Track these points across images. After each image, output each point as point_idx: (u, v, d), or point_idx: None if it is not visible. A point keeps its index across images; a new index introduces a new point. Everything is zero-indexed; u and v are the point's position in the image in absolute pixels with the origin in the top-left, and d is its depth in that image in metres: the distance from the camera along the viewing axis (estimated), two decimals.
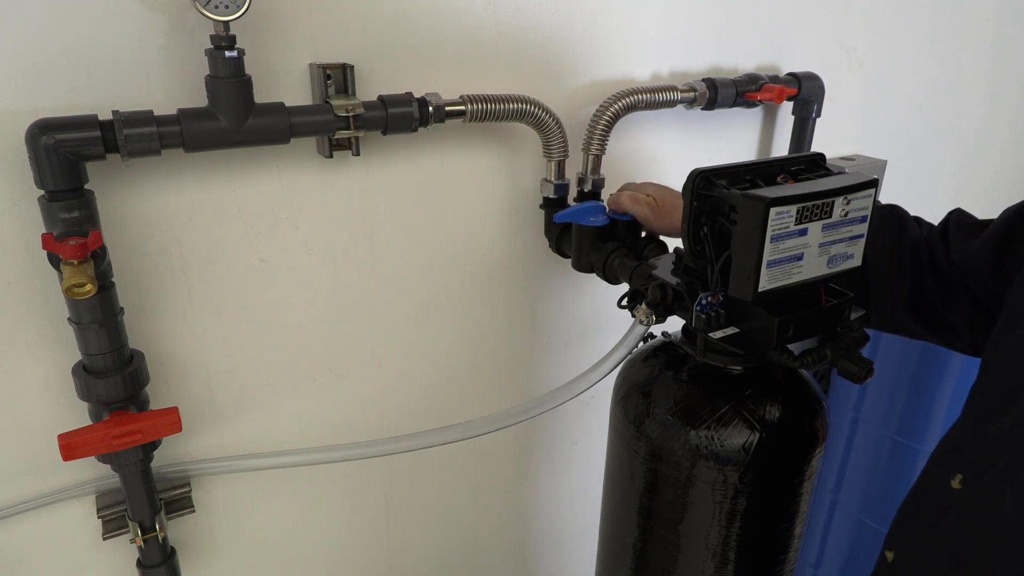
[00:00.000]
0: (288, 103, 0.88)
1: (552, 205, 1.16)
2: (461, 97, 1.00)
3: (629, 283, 0.99)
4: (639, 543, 0.95)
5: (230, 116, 0.84)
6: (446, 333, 1.22)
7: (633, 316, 0.93)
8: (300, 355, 1.09)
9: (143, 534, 0.98)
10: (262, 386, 1.08)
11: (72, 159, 0.77)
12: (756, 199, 0.70)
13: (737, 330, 0.80)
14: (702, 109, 1.26)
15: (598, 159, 1.15)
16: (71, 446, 0.85)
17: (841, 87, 1.55)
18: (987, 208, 0.88)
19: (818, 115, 1.42)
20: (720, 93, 1.24)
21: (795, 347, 0.78)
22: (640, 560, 0.96)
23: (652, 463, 0.89)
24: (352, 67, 0.94)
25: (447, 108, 0.98)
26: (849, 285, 0.80)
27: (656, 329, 0.94)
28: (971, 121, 1.96)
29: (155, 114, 0.80)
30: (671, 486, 0.88)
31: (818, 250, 0.75)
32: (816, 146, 1.49)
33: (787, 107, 1.46)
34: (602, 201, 1.15)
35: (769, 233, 0.70)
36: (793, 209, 0.70)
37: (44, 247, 0.77)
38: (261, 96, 0.87)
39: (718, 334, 0.80)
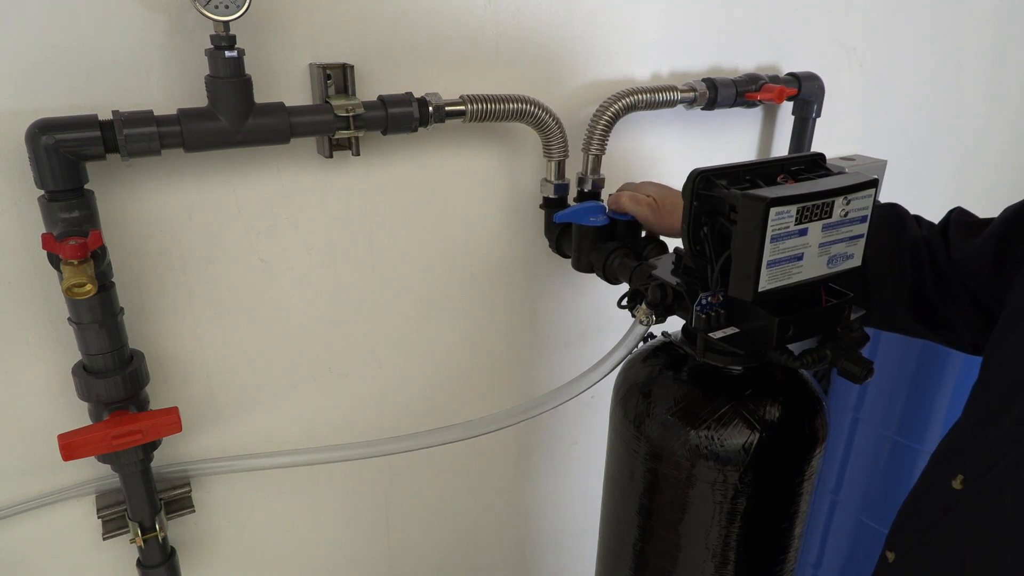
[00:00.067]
0: (288, 103, 0.88)
1: (552, 205, 1.16)
2: (461, 97, 1.00)
3: (629, 283, 0.99)
4: (639, 543, 0.95)
5: (230, 116, 0.84)
6: (446, 333, 1.22)
7: (633, 316, 0.93)
8: (300, 355, 1.09)
9: (143, 534, 0.98)
10: (262, 386, 1.08)
11: (72, 159, 0.77)
12: (756, 199, 0.70)
13: (737, 330, 0.80)
14: (702, 109, 1.26)
15: (598, 159, 1.15)
16: (71, 446, 0.85)
17: (841, 87, 1.55)
18: (987, 208, 0.88)
19: (818, 115, 1.42)
20: (720, 93, 1.24)
21: (795, 347, 0.78)
22: (640, 560, 0.96)
23: (652, 463, 0.89)
24: (352, 67, 0.94)
25: (447, 108, 0.98)
26: (849, 285, 0.80)
27: (656, 329, 0.94)
28: (971, 121, 1.96)
29: (155, 114, 0.80)
30: (671, 486, 0.88)
31: (818, 250, 0.75)
32: (816, 146, 1.49)
33: (787, 107, 1.46)
34: (602, 201, 1.15)
35: (769, 233, 0.70)
36: (793, 209, 0.70)
37: (44, 247, 0.77)
38: (261, 96, 0.87)
39: (718, 334, 0.80)
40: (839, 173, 0.81)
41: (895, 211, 0.91)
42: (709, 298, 0.79)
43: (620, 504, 0.97)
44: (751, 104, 1.33)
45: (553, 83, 1.15)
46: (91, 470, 0.98)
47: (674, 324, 0.92)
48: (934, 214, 0.92)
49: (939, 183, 1.99)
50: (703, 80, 1.24)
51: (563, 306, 1.35)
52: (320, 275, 1.06)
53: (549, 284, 1.30)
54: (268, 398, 1.09)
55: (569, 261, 1.15)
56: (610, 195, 1.10)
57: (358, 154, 0.96)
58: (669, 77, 1.28)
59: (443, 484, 1.36)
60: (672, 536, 0.91)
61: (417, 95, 0.96)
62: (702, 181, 0.78)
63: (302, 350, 1.09)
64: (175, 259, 0.95)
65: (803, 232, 0.72)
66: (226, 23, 0.79)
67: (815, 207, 0.72)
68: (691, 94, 1.22)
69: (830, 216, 0.73)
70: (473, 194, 1.15)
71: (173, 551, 1.05)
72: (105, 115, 0.80)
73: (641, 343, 0.95)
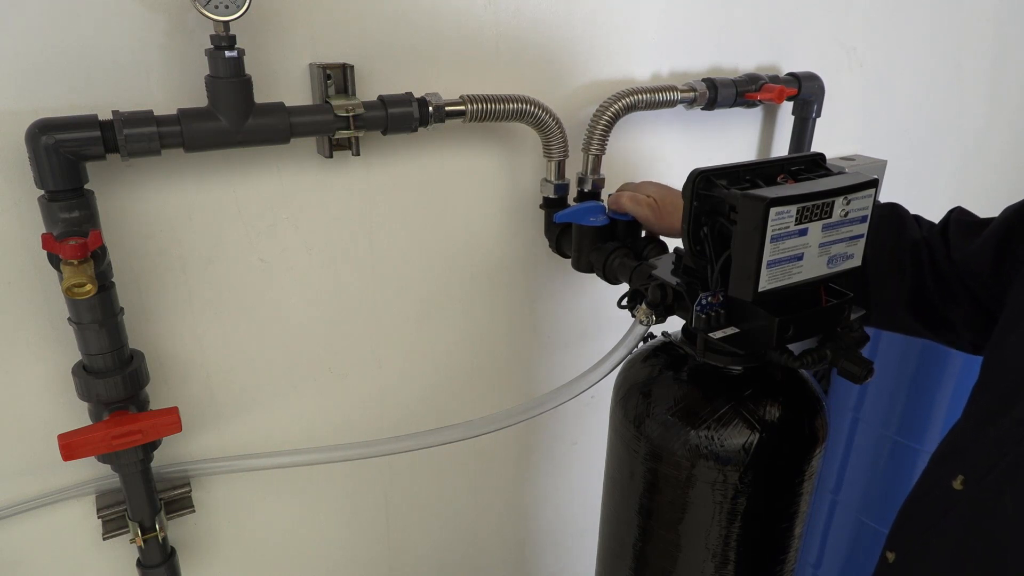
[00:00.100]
0: (288, 103, 0.88)
1: (552, 205, 1.16)
2: (461, 97, 1.00)
3: (629, 283, 0.99)
4: (639, 543, 0.95)
5: (230, 116, 0.84)
6: (446, 333, 1.22)
7: (633, 316, 0.93)
8: (300, 355, 1.09)
9: (143, 534, 0.98)
10: (262, 386, 1.08)
11: (72, 159, 0.77)
12: (756, 199, 0.70)
13: (737, 330, 0.80)
14: (702, 109, 1.26)
15: (598, 159, 1.15)
16: (71, 446, 0.85)
17: (841, 87, 1.55)
18: (987, 208, 0.88)
19: (818, 115, 1.42)
20: (720, 93, 1.24)
21: (795, 347, 0.78)
22: (640, 560, 0.96)
23: (652, 463, 0.89)
24: (352, 67, 0.94)
25: (447, 108, 0.98)
26: (849, 285, 0.80)
27: (656, 329, 0.94)
28: (971, 121, 1.96)
29: (155, 114, 0.80)
30: (671, 486, 0.88)
31: (818, 250, 0.75)
32: (816, 146, 1.49)
33: (787, 107, 1.46)
34: (602, 201, 1.15)
35: (769, 233, 0.70)
36: (793, 209, 0.70)
37: (44, 247, 0.77)
38: (261, 96, 0.87)
39: (718, 334, 0.80)
40: (839, 173, 0.80)
41: (895, 211, 0.91)
42: (709, 298, 0.79)
43: (620, 504, 0.97)
44: (751, 104, 1.33)
45: (553, 83, 1.15)
46: (91, 470, 0.98)
47: (674, 324, 0.92)
48: (934, 214, 0.92)
49: (939, 183, 1.99)
50: (703, 80, 1.24)
51: (563, 306, 1.35)
52: (320, 275, 1.06)
53: (549, 284, 1.30)
54: (268, 398, 1.09)
55: (569, 261, 1.15)
56: (610, 195, 1.10)
57: (358, 154, 0.96)
58: (669, 77, 1.28)
59: (443, 484, 1.36)
60: (672, 536, 0.91)
61: (417, 95, 0.96)
62: (702, 181, 0.78)
63: (302, 350, 1.09)
64: (175, 259, 0.95)
65: (803, 232, 0.72)
66: (226, 23, 0.79)
67: (815, 207, 0.72)
68: (691, 94, 1.22)
69: (830, 216, 0.73)
70: (473, 194, 1.15)
71: (173, 551, 1.05)
72: (105, 115, 0.80)
73: (641, 343, 0.95)
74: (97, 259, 0.79)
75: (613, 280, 1.06)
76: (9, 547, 0.98)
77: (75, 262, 0.75)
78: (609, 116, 1.12)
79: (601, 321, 1.39)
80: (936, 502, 0.75)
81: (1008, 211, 0.80)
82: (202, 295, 0.98)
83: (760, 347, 0.79)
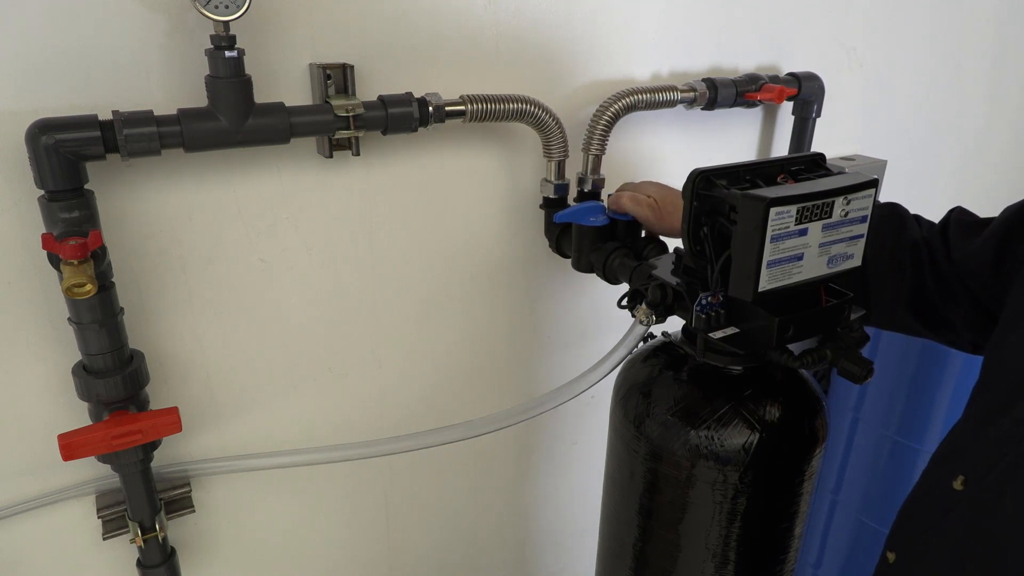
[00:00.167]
0: (288, 103, 0.88)
1: (552, 205, 1.16)
2: (461, 97, 1.00)
3: (629, 283, 0.99)
4: (639, 543, 0.95)
5: (230, 116, 0.84)
6: (446, 333, 1.22)
7: (633, 316, 0.93)
8: (300, 355, 1.09)
9: (143, 534, 0.98)
10: (262, 386, 1.08)
11: (72, 159, 0.77)
12: (756, 199, 0.70)
13: (737, 330, 0.80)
14: (702, 109, 1.26)
15: (598, 159, 1.15)
16: (71, 446, 0.85)
17: (841, 87, 1.55)
18: (987, 208, 0.88)
19: (818, 115, 1.42)
20: (720, 93, 1.24)
21: (795, 347, 0.78)
22: (640, 560, 0.96)
23: (652, 463, 0.89)
24: (352, 67, 0.94)
25: (447, 108, 0.98)
26: (849, 285, 0.80)
27: (656, 329, 0.94)
28: (971, 121, 1.96)
29: (155, 114, 0.80)
30: (671, 486, 0.88)
31: (818, 250, 0.75)
32: (816, 146, 1.49)
33: (787, 107, 1.46)
34: (602, 201, 1.15)
35: (769, 233, 0.70)
36: (793, 209, 0.70)
37: (44, 247, 0.77)
38: (261, 96, 0.87)
39: (718, 334, 0.80)
40: (839, 173, 0.80)
41: (895, 211, 0.91)
42: (709, 298, 0.79)
43: (620, 504, 0.97)
44: (751, 104, 1.33)
45: (553, 83, 1.15)
46: (91, 470, 0.98)
47: (674, 324, 0.92)
48: (934, 214, 0.92)
49: (939, 183, 1.99)
50: (703, 80, 1.24)
51: (563, 306, 1.35)
52: (320, 275, 1.06)
53: (549, 284, 1.30)
54: (268, 398, 1.09)
55: (569, 261, 1.15)
56: (610, 195, 1.10)
57: (358, 154, 0.96)
58: (669, 77, 1.28)
59: (443, 484, 1.36)
60: (672, 536, 0.91)
61: (417, 95, 0.96)
62: (702, 181, 0.78)
63: (302, 350, 1.09)
64: (175, 259, 0.95)
65: (803, 232, 0.72)
66: (226, 23, 0.79)
67: (815, 207, 0.72)
68: (691, 94, 1.22)
69: (830, 216, 0.73)
70: (473, 194, 1.15)
71: (173, 551, 1.05)
72: (105, 115, 0.80)
73: (641, 343, 0.95)
74: (97, 259, 0.79)
75: (613, 280, 1.06)
76: (9, 547, 0.98)
77: (75, 262, 0.75)
78: (609, 116, 1.12)
79: (601, 321, 1.39)
80: (936, 502, 0.75)
81: (1008, 211, 0.80)
82: (202, 295, 0.98)
83: (760, 347, 0.79)
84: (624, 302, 0.97)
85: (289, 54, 0.92)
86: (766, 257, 0.71)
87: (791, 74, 1.37)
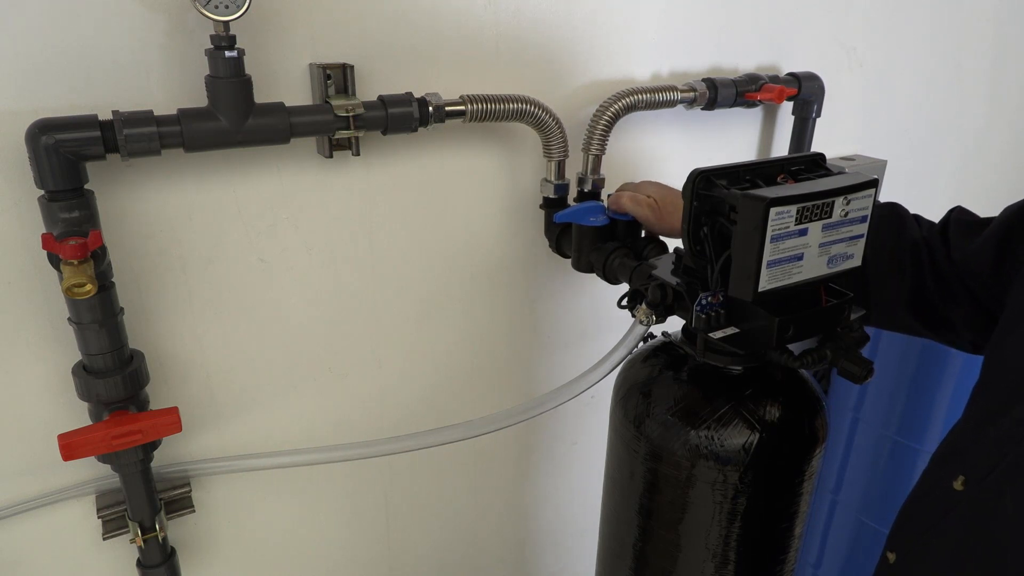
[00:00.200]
0: (288, 103, 0.88)
1: (552, 205, 1.16)
2: (461, 97, 1.00)
3: (629, 283, 0.99)
4: (639, 543, 0.95)
5: (230, 116, 0.84)
6: (446, 333, 1.22)
7: (633, 316, 0.93)
8: (300, 355, 1.09)
9: (143, 534, 0.98)
10: (262, 386, 1.08)
11: (72, 159, 0.77)
12: (756, 199, 0.70)
13: (737, 330, 0.80)
14: (702, 109, 1.26)
15: (598, 159, 1.15)
16: (71, 446, 0.85)
17: (841, 87, 1.55)
18: (987, 208, 0.88)
19: (818, 115, 1.42)
20: (720, 93, 1.24)
21: (795, 347, 0.78)
22: (640, 560, 0.96)
23: (652, 463, 0.89)
24: (352, 67, 0.94)
25: (447, 108, 0.98)
26: (849, 285, 0.80)
27: (656, 329, 0.94)
28: (971, 121, 1.96)
29: (155, 114, 0.80)
30: (671, 486, 0.88)
31: (818, 250, 0.75)
32: (816, 146, 1.49)
33: (787, 107, 1.46)
34: (602, 201, 1.15)
35: (769, 233, 0.70)
36: (793, 209, 0.70)
37: (44, 247, 0.77)
38: (261, 96, 0.87)
39: (718, 334, 0.80)
40: (839, 173, 0.80)
41: (895, 211, 0.91)
42: (709, 298, 0.79)
43: (620, 504, 0.97)
44: (751, 104, 1.33)
45: (553, 83, 1.15)
46: (91, 470, 0.98)
47: (674, 324, 0.92)
48: (934, 214, 0.92)
49: (939, 183, 1.99)
50: (703, 80, 1.24)
51: (563, 306, 1.35)
52: (320, 275, 1.06)
53: (549, 284, 1.30)
54: (268, 398, 1.09)
55: (569, 261, 1.15)
56: (610, 195, 1.10)
57: (358, 154, 0.96)
58: (669, 77, 1.28)
59: (443, 484, 1.36)
60: (672, 536, 0.91)
61: (417, 95, 0.96)
62: (702, 181, 0.78)
63: (302, 350, 1.09)
64: (175, 259, 0.95)
65: (803, 232, 0.72)
66: (226, 23, 0.79)
67: (815, 207, 0.72)
68: (691, 94, 1.22)
69: (830, 216, 0.73)
70: (473, 194, 1.15)
71: (173, 551, 1.05)
72: (105, 115, 0.80)
73: (641, 343, 0.95)
74: (97, 259, 0.79)
75: (613, 280, 1.06)
76: (9, 547, 0.98)
77: (75, 262, 0.75)
78: (609, 116, 1.12)
79: (601, 321, 1.39)
80: (936, 503, 0.75)
81: (1008, 211, 0.80)
82: (202, 295, 0.98)
83: (760, 347, 0.79)
84: (624, 302, 0.97)
85: (289, 54, 0.92)
86: (766, 257, 0.71)
87: (791, 74, 1.37)
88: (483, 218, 1.18)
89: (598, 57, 1.19)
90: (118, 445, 0.87)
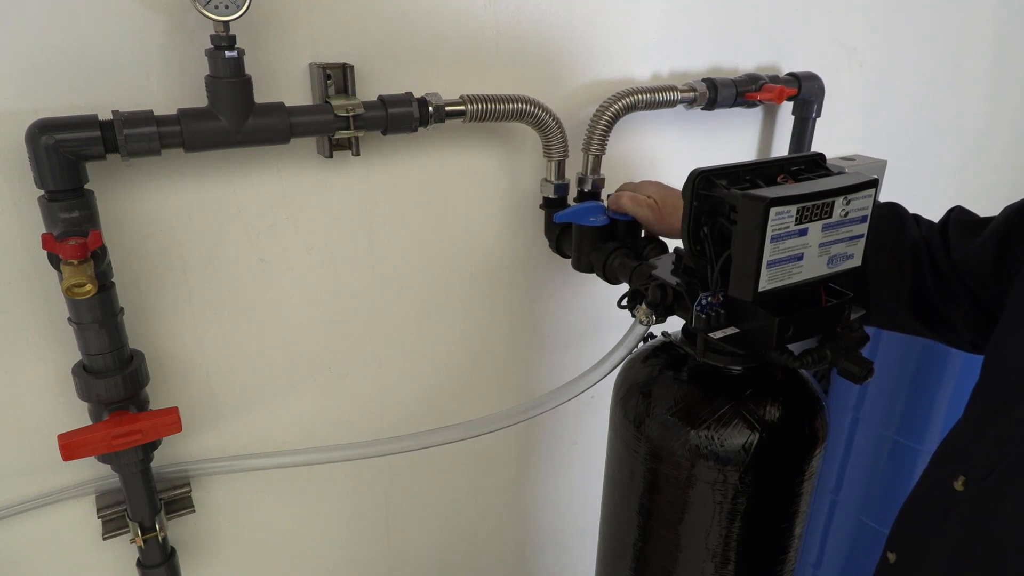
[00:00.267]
0: (288, 103, 0.88)
1: (552, 205, 1.16)
2: (461, 97, 1.00)
3: (629, 283, 0.99)
4: (639, 543, 0.95)
5: (230, 116, 0.84)
6: (446, 333, 1.22)
7: (633, 316, 0.93)
8: (300, 355, 1.09)
9: (143, 534, 0.98)
10: (262, 386, 1.08)
11: (72, 159, 0.77)
12: (756, 199, 0.70)
13: (737, 330, 0.80)
14: (702, 109, 1.26)
15: (598, 159, 1.15)
16: (71, 446, 0.85)
17: (841, 87, 1.55)
18: (987, 208, 0.88)
19: (818, 115, 1.42)
20: (720, 93, 1.24)
21: (795, 347, 0.78)
22: (640, 560, 0.96)
23: (652, 463, 0.89)
24: (352, 67, 0.94)
25: (447, 108, 0.98)
26: (849, 285, 0.80)
27: (656, 329, 0.94)
28: (971, 121, 1.96)
29: (155, 114, 0.80)
30: (671, 486, 0.88)
31: (818, 250, 0.75)
32: (816, 146, 1.49)
33: (787, 107, 1.46)
34: (602, 201, 1.15)
35: (769, 233, 0.70)
36: (793, 209, 0.70)
37: (44, 247, 0.77)
38: (261, 96, 0.87)
39: (718, 334, 0.80)
40: (839, 173, 0.80)
41: (895, 211, 0.91)
42: (709, 298, 0.79)
43: (620, 504, 0.97)
44: (751, 104, 1.33)
45: (553, 83, 1.15)
46: (91, 470, 0.98)
47: (674, 324, 0.92)
48: (934, 214, 0.92)
49: (939, 183, 1.99)
50: (703, 80, 1.24)
51: (563, 306, 1.35)
52: (320, 275, 1.06)
53: (549, 284, 1.30)
54: (268, 398, 1.09)
55: (569, 261, 1.15)
56: (610, 195, 1.10)
57: (358, 154, 0.96)
58: (669, 77, 1.28)
59: (443, 484, 1.36)
60: (672, 536, 0.91)
61: (417, 95, 0.96)
62: (702, 181, 0.78)
63: (302, 350, 1.09)
64: (175, 259, 0.95)
65: (803, 232, 0.72)
66: (226, 23, 0.79)
67: (815, 207, 0.72)
68: (691, 94, 1.22)
69: (830, 216, 0.73)
70: (473, 194, 1.15)
71: (173, 551, 1.05)
72: (105, 115, 0.80)
73: (641, 343, 0.95)
74: (97, 259, 0.79)
75: (613, 280, 1.06)
76: (9, 547, 0.98)
77: (75, 262, 0.75)
78: (609, 116, 1.12)
79: (601, 321, 1.39)
80: (937, 503, 0.75)
81: (1008, 210, 0.80)
82: (202, 295, 0.98)
83: (760, 347, 0.79)
84: (624, 302, 0.97)
85: (289, 54, 0.92)
86: (766, 257, 0.71)
87: (791, 74, 1.37)
88: (483, 218, 1.18)
89: (598, 57, 1.19)
90: (118, 445, 0.87)
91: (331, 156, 0.97)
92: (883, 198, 1.00)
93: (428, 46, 1.02)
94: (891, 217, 0.90)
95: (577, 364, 1.38)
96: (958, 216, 0.88)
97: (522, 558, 1.57)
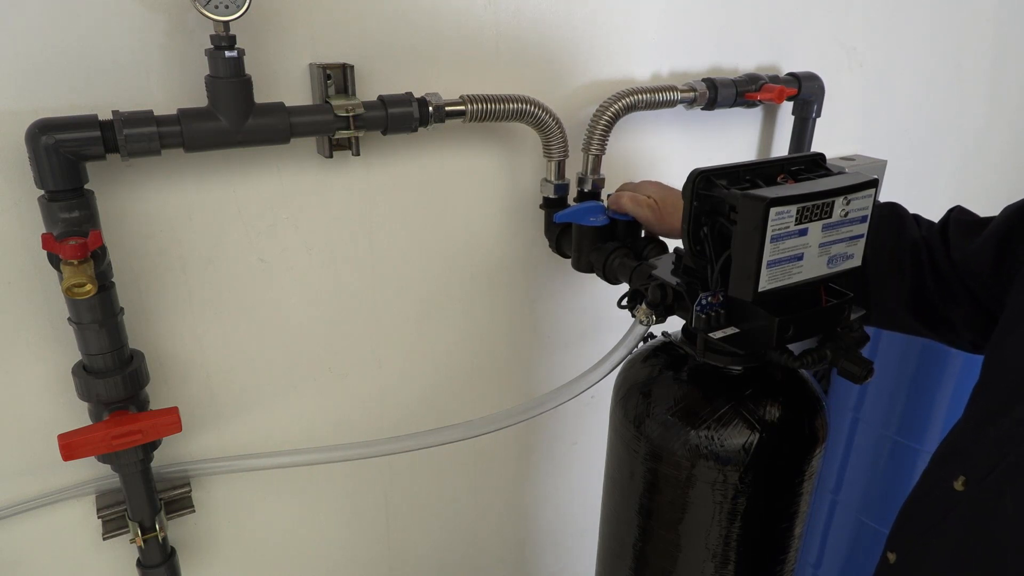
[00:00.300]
0: (288, 103, 0.88)
1: (552, 205, 1.16)
2: (461, 97, 1.00)
3: (629, 283, 0.99)
4: (639, 543, 0.95)
5: (230, 116, 0.84)
6: (446, 333, 1.22)
7: (633, 316, 0.93)
8: (300, 355, 1.09)
9: (143, 534, 0.98)
10: (262, 386, 1.08)
11: (72, 159, 0.77)
12: (756, 199, 0.70)
13: (737, 330, 0.80)
14: (702, 109, 1.26)
15: (598, 159, 1.15)
16: (71, 446, 0.85)
17: (841, 87, 1.55)
18: (987, 208, 0.88)
19: (818, 115, 1.42)
20: (720, 93, 1.24)
21: (795, 347, 0.78)
22: (640, 560, 0.96)
23: (652, 463, 0.89)
24: (352, 67, 0.94)
25: (447, 108, 0.98)
26: (849, 285, 0.80)
27: (656, 329, 0.94)
28: (971, 121, 1.96)
29: (155, 114, 0.80)
30: (671, 486, 0.88)
31: (818, 250, 0.75)
32: (816, 146, 1.49)
33: (787, 107, 1.46)
34: (602, 201, 1.15)
35: (769, 233, 0.70)
36: (793, 209, 0.70)
37: (44, 247, 0.77)
38: (261, 96, 0.87)
39: (718, 334, 0.80)
40: (839, 173, 0.80)
41: (895, 211, 0.91)
42: (709, 298, 0.79)
43: (620, 504, 0.97)
44: (751, 104, 1.33)
45: (553, 83, 1.15)
46: (91, 470, 0.98)
47: (674, 324, 0.92)
48: (934, 214, 0.92)
49: (939, 183, 1.99)
50: (703, 80, 1.24)
51: (563, 306, 1.35)
52: (320, 275, 1.06)
53: (549, 284, 1.30)
54: (268, 398, 1.09)
55: (569, 261, 1.15)
56: (610, 195, 1.10)
57: (358, 154, 0.96)
58: (669, 77, 1.28)
59: (443, 484, 1.36)
60: (672, 536, 0.91)
61: (417, 95, 0.96)
62: (702, 181, 0.78)
63: (302, 350, 1.09)
64: (175, 259, 0.95)
65: (803, 232, 0.72)
66: (226, 23, 0.79)
67: (815, 207, 0.72)
68: (691, 94, 1.22)
69: (830, 216, 0.73)
70: (473, 194, 1.15)
71: (173, 551, 1.05)
72: (105, 115, 0.80)
73: (641, 343, 0.95)
74: (97, 259, 0.79)
75: (613, 280, 1.06)
76: (9, 547, 0.98)
77: (75, 262, 0.75)
78: (609, 116, 1.12)
79: (601, 321, 1.39)
80: (937, 503, 0.75)
81: (1008, 210, 0.80)
82: (202, 295, 0.98)
83: (760, 347, 0.79)
84: (624, 302, 0.97)
85: (289, 54, 0.92)
86: (766, 257, 0.71)
87: (791, 74, 1.37)
88: (483, 218, 1.18)
89: (598, 57, 1.19)
90: (118, 445, 0.87)
91: (331, 156, 0.97)
92: (883, 198, 1.00)
93: (428, 46, 1.02)
94: (891, 217, 0.90)
95: (577, 364, 1.38)
96: (958, 216, 0.88)
97: (522, 558, 1.57)
